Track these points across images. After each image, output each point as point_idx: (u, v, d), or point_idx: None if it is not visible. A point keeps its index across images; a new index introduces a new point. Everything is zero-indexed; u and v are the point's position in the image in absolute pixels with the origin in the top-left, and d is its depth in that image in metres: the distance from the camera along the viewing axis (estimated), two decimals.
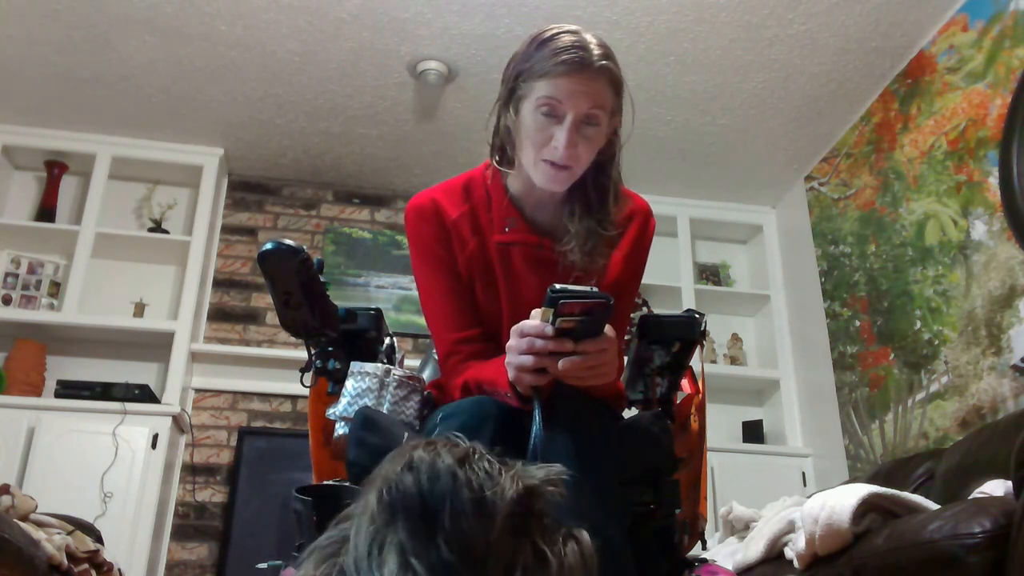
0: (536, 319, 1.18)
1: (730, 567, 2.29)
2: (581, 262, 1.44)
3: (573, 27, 1.40)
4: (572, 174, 1.41)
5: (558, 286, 1.13)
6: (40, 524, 2.10)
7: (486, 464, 0.84)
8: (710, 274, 4.57)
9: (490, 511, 0.81)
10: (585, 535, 0.84)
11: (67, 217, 4.10)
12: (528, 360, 1.18)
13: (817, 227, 4.13)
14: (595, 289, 1.15)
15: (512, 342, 1.21)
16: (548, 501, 0.85)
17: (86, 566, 2.10)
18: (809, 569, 1.94)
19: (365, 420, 1.33)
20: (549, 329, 1.16)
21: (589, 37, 1.38)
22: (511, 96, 1.42)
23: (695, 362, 1.54)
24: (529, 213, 1.50)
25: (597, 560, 0.86)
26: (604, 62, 1.36)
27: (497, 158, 1.49)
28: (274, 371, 3.99)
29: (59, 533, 2.07)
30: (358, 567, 0.82)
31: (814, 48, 3.42)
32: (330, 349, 1.52)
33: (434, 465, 0.83)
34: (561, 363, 1.18)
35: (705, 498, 1.53)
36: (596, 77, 1.35)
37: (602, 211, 1.46)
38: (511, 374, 1.22)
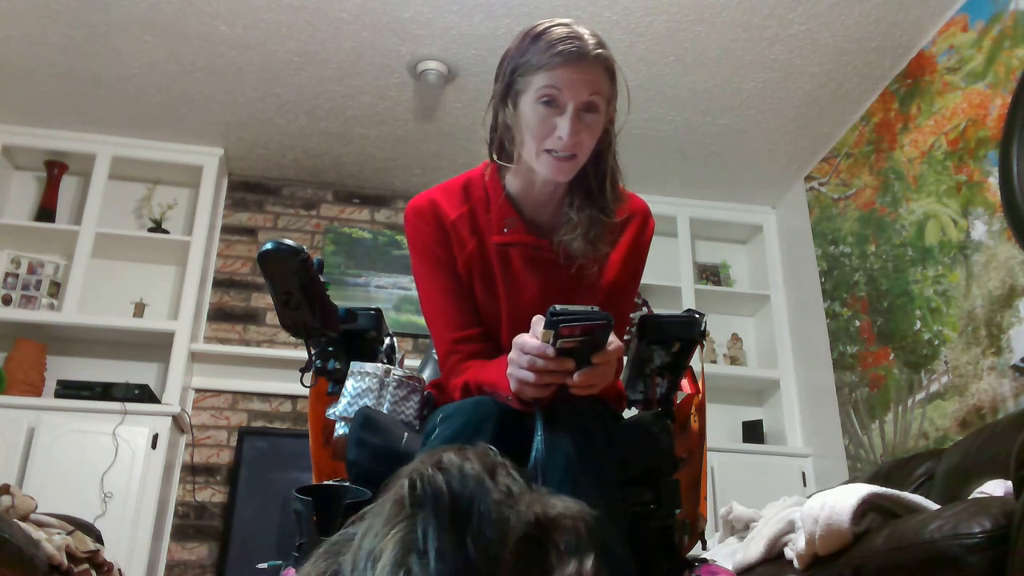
0: (537, 328, 1.19)
1: (730, 567, 2.29)
2: (584, 251, 1.44)
3: (564, 20, 1.42)
4: (576, 163, 1.41)
5: (559, 307, 1.14)
6: (40, 524, 2.09)
7: (510, 481, 0.84)
8: (710, 274, 4.57)
9: (506, 528, 0.80)
10: (588, 567, 0.82)
11: (67, 217, 4.10)
12: (529, 376, 1.19)
13: (817, 227, 4.13)
14: (596, 309, 1.15)
15: (513, 355, 1.21)
16: (563, 533, 0.84)
17: (86, 566, 2.10)
18: (809, 569, 1.94)
19: (365, 420, 1.33)
20: (550, 350, 1.17)
21: (581, 28, 1.40)
22: (508, 91, 1.43)
23: (695, 362, 1.54)
24: (528, 213, 1.50)
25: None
26: (600, 50, 1.38)
27: (495, 155, 1.49)
28: (274, 371, 3.99)
29: (59, 533, 2.07)
30: (355, 566, 0.82)
31: (814, 48, 3.42)
32: (330, 349, 1.53)
33: (463, 469, 0.83)
34: (570, 383, 1.20)
35: (705, 498, 1.53)
36: (593, 65, 1.37)
37: (603, 199, 1.47)
38: (513, 386, 1.23)
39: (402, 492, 0.83)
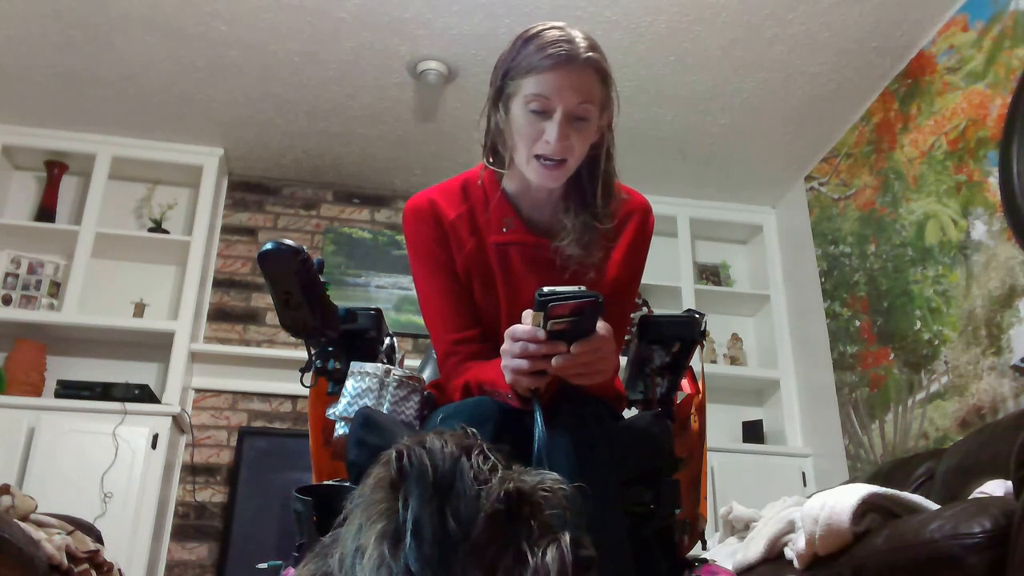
0: (528, 321, 1.19)
1: (730, 567, 2.29)
2: (578, 256, 1.44)
3: (558, 23, 1.41)
4: (567, 169, 1.40)
5: (546, 289, 1.13)
6: (40, 524, 2.09)
7: (482, 461, 0.86)
8: (710, 274, 4.57)
9: (477, 505, 0.84)
10: (566, 540, 0.85)
11: (67, 217, 4.10)
12: (523, 364, 1.19)
13: (817, 227, 4.13)
14: (583, 288, 1.15)
15: (506, 346, 1.21)
16: (538, 506, 0.86)
17: (86, 566, 2.10)
18: (809, 569, 1.94)
19: (365, 420, 1.33)
20: (541, 333, 1.16)
21: (574, 31, 1.39)
22: (500, 95, 1.43)
23: (695, 362, 1.54)
24: (526, 213, 1.50)
25: (589, 558, 0.87)
26: (590, 54, 1.36)
27: (490, 159, 1.49)
28: (274, 371, 3.99)
29: (59, 533, 2.07)
30: (343, 564, 0.84)
31: (814, 48, 3.42)
32: (330, 349, 1.52)
33: (443, 449, 0.87)
34: (554, 360, 1.18)
35: (705, 498, 1.53)
36: (583, 69, 1.36)
37: (597, 205, 1.46)
38: (508, 377, 1.22)
39: (385, 472, 0.86)
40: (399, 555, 0.82)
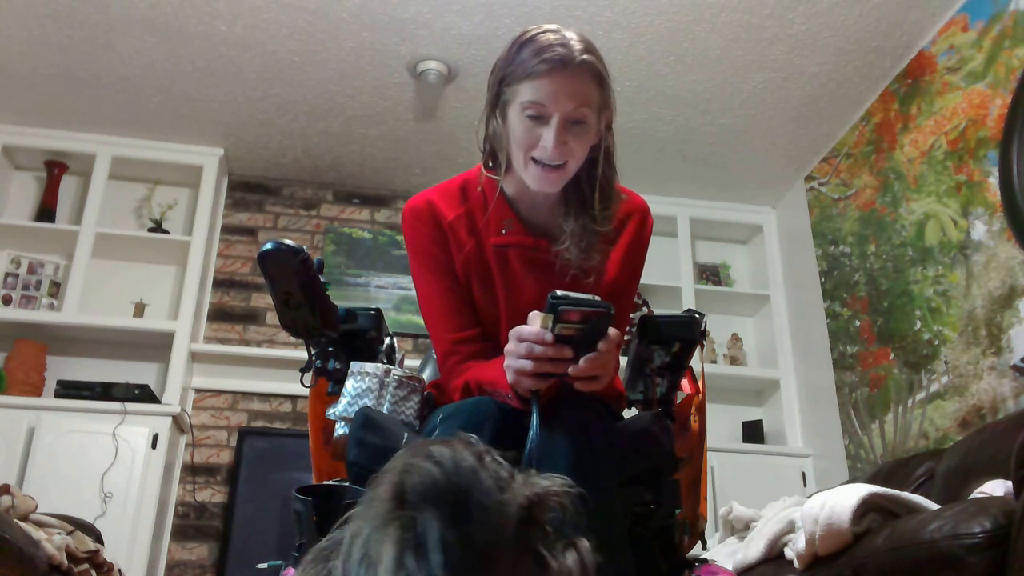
0: (535, 322, 1.19)
1: (730, 567, 2.29)
2: (577, 260, 1.44)
3: (553, 26, 1.40)
4: (564, 173, 1.40)
5: (559, 293, 1.13)
6: (40, 524, 2.10)
7: (498, 467, 0.85)
8: (710, 274, 4.57)
9: (506, 512, 0.81)
10: (585, 544, 0.84)
11: (67, 217, 4.10)
12: (527, 365, 1.18)
13: (817, 227, 4.13)
14: (596, 298, 1.15)
15: (511, 346, 1.21)
16: (552, 510, 0.85)
17: (86, 566, 2.10)
18: (809, 569, 1.94)
19: (365, 420, 1.33)
20: (548, 336, 1.16)
21: (569, 34, 1.38)
22: (497, 101, 1.43)
23: (695, 362, 1.54)
24: (525, 214, 1.50)
25: (597, 563, 0.87)
26: (585, 56, 1.36)
27: (489, 163, 1.49)
28: (274, 371, 3.99)
29: (59, 533, 2.07)
30: (346, 571, 0.82)
31: (814, 48, 3.42)
32: (330, 349, 1.53)
33: (455, 459, 0.84)
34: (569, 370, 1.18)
35: (705, 498, 1.53)
36: (578, 74, 1.35)
37: (595, 207, 1.46)
38: (510, 377, 1.22)
39: (394, 490, 0.83)
40: (422, 565, 0.79)
